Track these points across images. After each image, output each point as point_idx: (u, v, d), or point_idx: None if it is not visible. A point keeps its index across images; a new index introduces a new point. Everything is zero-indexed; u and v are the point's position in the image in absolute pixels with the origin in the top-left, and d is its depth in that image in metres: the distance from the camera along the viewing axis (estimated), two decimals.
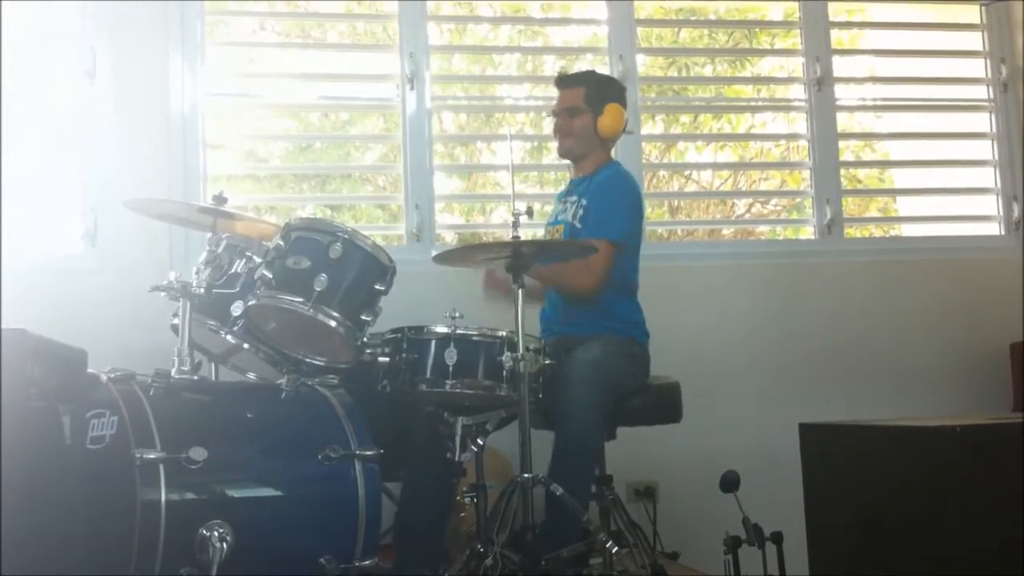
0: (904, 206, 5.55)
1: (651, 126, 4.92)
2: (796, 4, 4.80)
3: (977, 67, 4.92)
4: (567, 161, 3.78)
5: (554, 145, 3.75)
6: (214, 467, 2.40)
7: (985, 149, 4.86)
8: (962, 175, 4.94)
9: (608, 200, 3.52)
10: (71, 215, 4.09)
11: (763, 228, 5.90)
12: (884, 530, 2.81)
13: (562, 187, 3.93)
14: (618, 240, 3.45)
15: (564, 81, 3.71)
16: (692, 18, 5.32)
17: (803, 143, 4.85)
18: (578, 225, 3.52)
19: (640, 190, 3.70)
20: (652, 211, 4.78)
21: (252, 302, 2.80)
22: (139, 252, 3.91)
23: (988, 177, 4.85)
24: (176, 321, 2.86)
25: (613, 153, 3.81)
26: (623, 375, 3.33)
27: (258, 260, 2.85)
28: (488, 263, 3.11)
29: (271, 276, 2.78)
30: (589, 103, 3.60)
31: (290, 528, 2.56)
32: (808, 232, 4.78)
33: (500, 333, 2.97)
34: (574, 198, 3.60)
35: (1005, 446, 2.64)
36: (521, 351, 2.87)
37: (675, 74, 5.64)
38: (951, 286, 4.58)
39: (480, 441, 3.05)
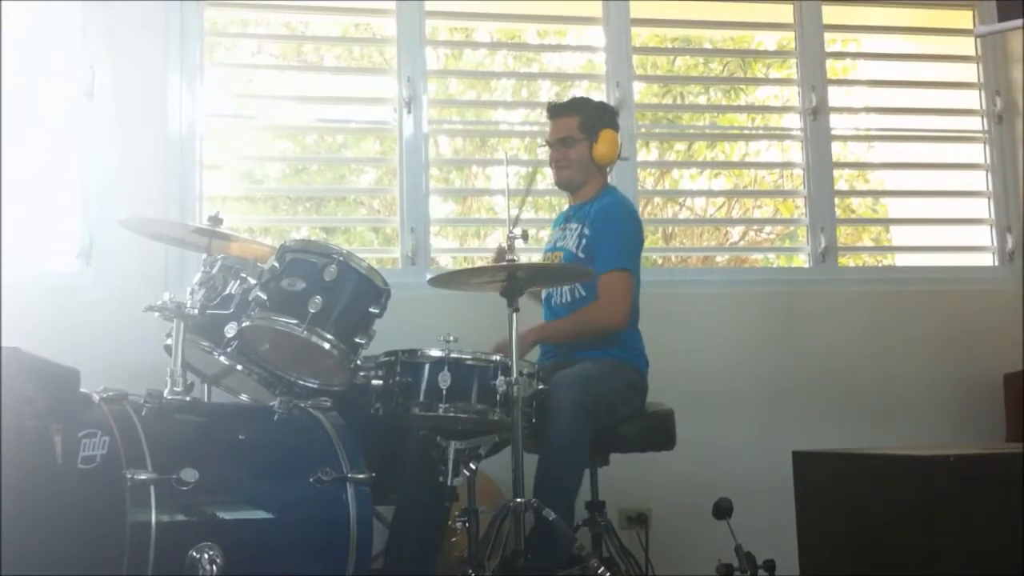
0: (898, 236, 5.57)
1: (646, 153, 4.95)
2: (792, 34, 4.82)
3: (972, 98, 4.94)
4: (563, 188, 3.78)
5: (549, 171, 3.75)
6: (205, 489, 2.39)
7: (979, 180, 4.88)
8: (956, 206, 4.96)
9: (614, 230, 3.50)
10: (67, 233, 4.07)
11: (757, 256, 5.92)
12: (877, 559, 2.80)
13: (556, 213, 3.94)
14: (631, 268, 3.45)
15: (556, 110, 3.68)
16: (688, 47, 5.35)
17: (798, 172, 4.87)
18: (581, 255, 3.50)
19: (636, 209, 3.70)
20: (646, 238, 4.77)
21: (246, 323, 2.79)
22: (134, 271, 3.90)
23: (982, 208, 4.86)
24: (169, 341, 2.85)
25: (609, 179, 3.82)
26: (613, 397, 3.30)
27: (252, 281, 2.84)
28: (483, 287, 3.11)
29: (265, 297, 2.77)
30: (583, 131, 3.59)
31: (281, 551, 2.55)
32: (802, 260, 4.79)
33: (494, 357, 2.97)
34: (574, 225, 3.59)
35: (1000, 476, 2.64)
36: (515, 375, 2.87)
37: (670, 102, 5.68)
38: (945, 316, 4.59)
39: (473, 465, 3.04)
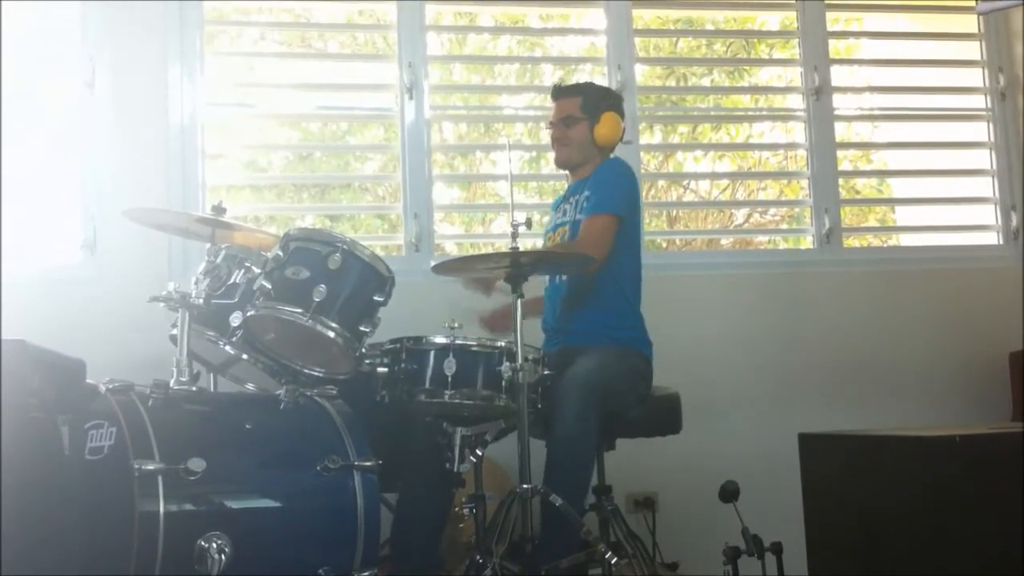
0: (902, 216, 5.56)
1: (649, 136, 4.93)
2: (794, 14, 4.80)
3: (975, 76, 4.93)
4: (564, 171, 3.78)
5: (553, 155, 3.74)
6: (213, 478, 2.39)
7: (983, 158, 4.86)
8: (960, 185, 4.94)
9: (605, 181, 3.50)
10: (70, 224, 4.08)
11: (762, 238, 5.92)
12: (884, 540, 2.81)
13: (556, 196, 3.94)
14: (620, 213, 3.42)
15: (560, 92, 3.69)
16: (690, 28, 5.33)
17: (801, 153, 4.85)
18: (581, 216, 3.49)
19: (636, 177, 3.68)
20: (651, 221, 4.78)
21: (251, 312, 2.79)
22: (138, 262, 3.91)
23: (986, 186, 4.85)
24: (175, 331, 2.85)
25: None
26: (620, 387, 3.30)
27: (257, 271, 2.85)
28: (487, 273, 3.11)
29: (270, 287, 2.78)
30: (585, 111, 3.59)
31: (289, 539, 2.56)
32: (807, 242, 4.79)
33: (499, 343, 2.98)
34: (574, 198, 3.58)
35: (1006, 456, 2.64)
36: (520, 361, 2.87)
37: (673, 84, 5.66)
38: (950, 295, 4.58)
39: (479, 452, 3.05)
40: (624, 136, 3.68)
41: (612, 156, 3.68)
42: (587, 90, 3.70)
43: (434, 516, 3.17)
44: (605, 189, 3.47)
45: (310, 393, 2.82)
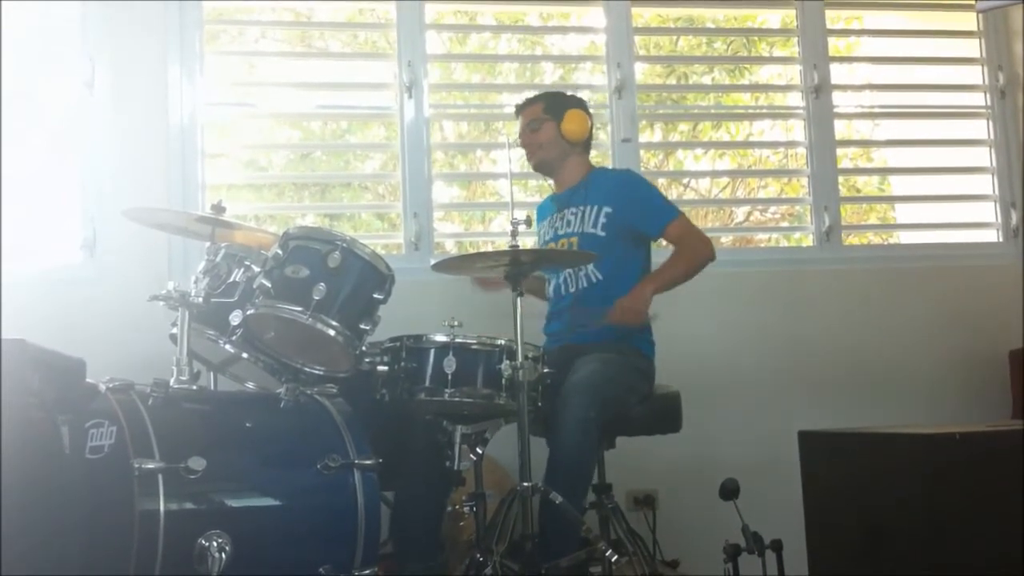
0: (902, 213, 5.55)
1: (649, 134, 4.92)
2: (794, 12, 4.81)
3: (974, 74, 4.93)
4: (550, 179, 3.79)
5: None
6: (213, 477, 2.39)
7: (983, 156, 4.86)
8: (960, 182, 4.94)
9: (645, 193, 3.59)
10: (70, 224, 4.08)
11: (762, 236, 5.91)
12: (884, 538, 2.81)
13: (540, 200, 3.95)
14: (679, 210, 3.54)
15: (521, 105, 3.75)
16: (690, 26, 5.33)
17: (801, 151, 4.85)
18: (602, 233, 3.50)
19: None
20: None
21: (251, 311, 2.79)
22: (138, 261, 3.91)
23: (986, 184, 4.85)
24: (175, 330, 2.85)
25: (609, 163, 3.81)
26: (622, 389, 3.30)
27: (256, 269, 2.84)
28: (487, 272, 3.11)
29: (270, 285, 2.78)
30: (548, 112, 3.64)
31: (289, 538, 2.56)
32: (807, 240, 4.78)
33: (499, 342, 2.97)
34: (575, 209, 3.58)
35: (1005, 453, 2.65)
36: (520, 360, 2.87)
37: (674, 82, 5.66)
38: (950, 293, 4.58)
39: (479, 450, 3.05)
40: (592, 130, 3.70)
41: (598, 166, 3.69)
42: (546, 96, 3.75)
43: (434, 514, 3.17)
44: (650, 200, 3.58)
45: (310, 391, 2.82)
